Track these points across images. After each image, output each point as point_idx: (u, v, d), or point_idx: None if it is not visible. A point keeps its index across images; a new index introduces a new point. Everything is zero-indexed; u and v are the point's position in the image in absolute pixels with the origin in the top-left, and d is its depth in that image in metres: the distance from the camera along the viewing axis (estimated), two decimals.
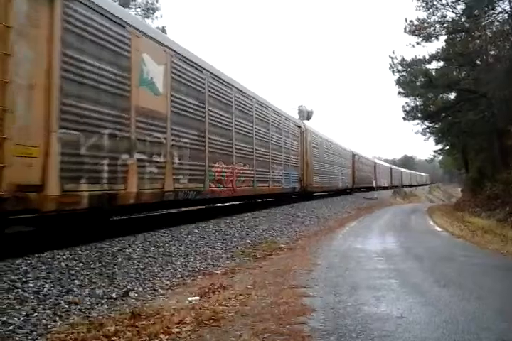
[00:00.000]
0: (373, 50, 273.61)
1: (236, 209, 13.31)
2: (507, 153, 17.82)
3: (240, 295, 4.98)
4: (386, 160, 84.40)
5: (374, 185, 44.34)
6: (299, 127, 19.65)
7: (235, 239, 9.06)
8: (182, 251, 7.26)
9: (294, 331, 3.66)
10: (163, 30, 19.92)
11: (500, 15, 18.12)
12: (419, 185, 79.22)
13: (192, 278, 6.12)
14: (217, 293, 5.15)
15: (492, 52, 20.47)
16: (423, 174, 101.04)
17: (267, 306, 4.50)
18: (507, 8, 17.60)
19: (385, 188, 50.42)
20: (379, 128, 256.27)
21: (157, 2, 22.86)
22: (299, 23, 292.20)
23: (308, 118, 31.76)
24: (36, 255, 5.32)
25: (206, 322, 3.94)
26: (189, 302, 4.74)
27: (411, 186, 68.99)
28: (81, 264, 5.38)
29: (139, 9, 21.42)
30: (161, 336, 3.58)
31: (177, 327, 3.81)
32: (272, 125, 15.30)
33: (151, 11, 22.59)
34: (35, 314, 3.89)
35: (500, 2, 17.66)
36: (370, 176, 42.84)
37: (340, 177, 28.09)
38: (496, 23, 18.72)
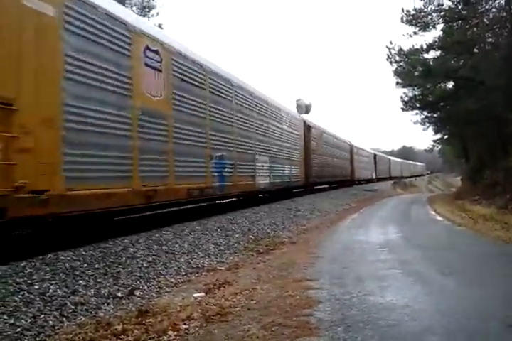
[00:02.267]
0: (371, 41, 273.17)
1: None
2: (506, 141, 17.77)
3: (246, 289, 4.99)
4: (385, 152, 79.91)
5: (350, 178, 32.44)
6: None
7: (237, 235, 9.07)
8: (185, 248, 7.26)
9: (301, 323, 3.67)
10: (160, 27, 19.85)
11: (497, 1, 18.04)
12: (413, 177, 70.26)
13: (196, 274, 6.13)
14: (222, 288, 5.16)
15: (489, 40, 20.37)
16: (418, 163, 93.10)
17: (272, 300, 4.51)
18: None
19: (368, 181, 39.68)
20: (377, 120, 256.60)
21: (153, 0, 22.93)
22: (296, 16, 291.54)
23: (307, 111, 31.64)
24: (40, 257, 5.32)
25: (213, 317, 3.95)
26: (195, 299, 4.75)
27: (402, 177, 58.65)
28: (85, 265, 5.38)
29: (134, 8, 21.42)
30: (170, 333, 3.59)
31: (185, 324, 3.83)
32: None
33: (147, 9, 22.64)
34: (42, 315, 3.90)
35: None
36: (343, 166, 30.08)
37: (265, 165, 14.33)
38: (493, 10, 18.64)
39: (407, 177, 61.94)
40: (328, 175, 24.65)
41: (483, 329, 3.47)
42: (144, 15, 21.77)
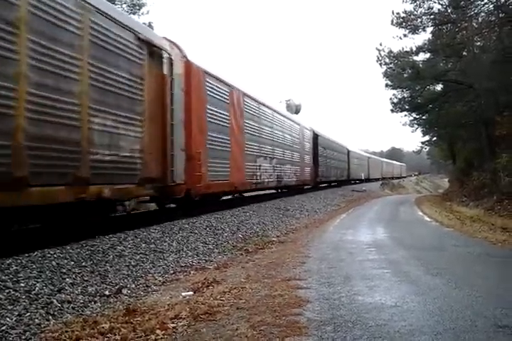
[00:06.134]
0: (361, 43, 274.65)
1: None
2: (494, 143, 17.96)
3: (234, 289, 4.96)
4: (374, 153, 77.80)
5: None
6: None
7: (225, 234, 9.04)
8: (173, 247, 7.22)
9: (290, 322, 3.66)
10: (149, 25, 19.65)
11: (486, 5, 18.19)
12: (389, 179, 56.21)
13: (185, 273, 6.09)
14: (211, 287, 5.13)
15: (478, 43, 20.60)
16: (395, 162, 77.69)
17: (261, 299, 4.49)
18: None
19: (300, 190, 21.55)
20: (367, 121, 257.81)
21: None
22: (288, 16, 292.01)
23: (297, 112, 31.71)
24: (26, 254, 5.24)
25: (202, 316, 3.92)
26: (183, 298, 4.72)
27: (368, 180, 45.71)
28: (72, 262, 5.31)
29: (124, 5, 21.17)
30: (157, 331, 3.55)
31: (173, 323, 3.79)
32: None
33: (137, 7, 22.40)
34: (28, 314, 3.84)
35: None
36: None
37: None
38: (482, 14, 18.82)
39: (375, 180, 50.39)
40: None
41: (471, 329, 3.48)
42: (133, 13, 21.54)
